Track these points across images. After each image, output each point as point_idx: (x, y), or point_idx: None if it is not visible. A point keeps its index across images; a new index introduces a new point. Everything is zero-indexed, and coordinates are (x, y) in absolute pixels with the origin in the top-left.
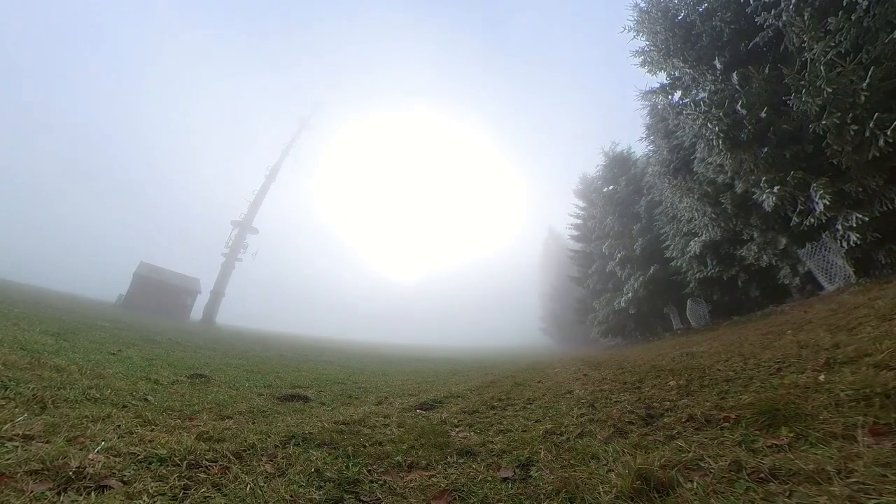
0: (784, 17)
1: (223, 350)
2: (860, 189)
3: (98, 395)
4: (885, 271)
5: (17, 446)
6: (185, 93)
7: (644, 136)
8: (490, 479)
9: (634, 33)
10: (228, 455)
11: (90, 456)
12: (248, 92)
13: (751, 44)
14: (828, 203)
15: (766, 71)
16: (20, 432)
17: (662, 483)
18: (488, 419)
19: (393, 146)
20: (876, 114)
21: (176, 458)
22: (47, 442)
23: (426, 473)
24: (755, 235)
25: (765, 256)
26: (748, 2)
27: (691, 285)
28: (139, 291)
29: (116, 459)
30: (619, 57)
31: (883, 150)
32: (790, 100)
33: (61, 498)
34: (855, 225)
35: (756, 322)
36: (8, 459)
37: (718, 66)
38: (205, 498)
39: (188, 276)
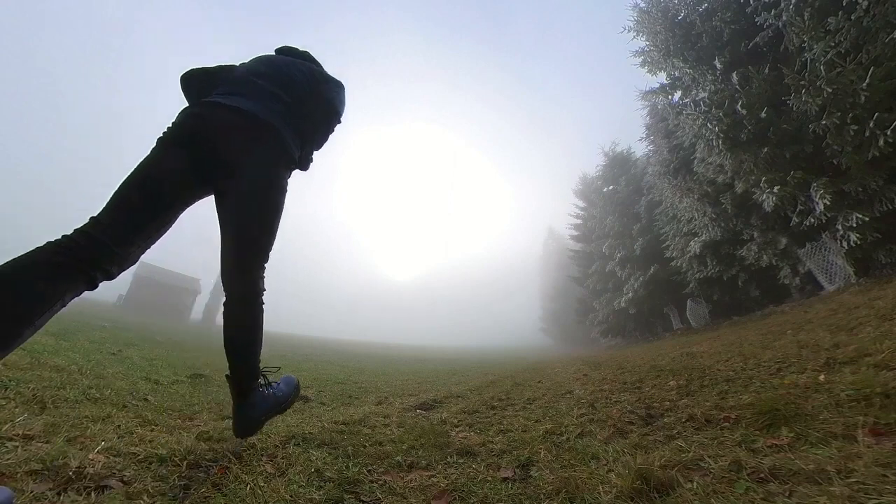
0: (784, 17)
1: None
2: (860, 189)
3: (98, 395)
4: (885, 271)
5: (17, 446)
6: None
7: (644, 136)
8: (490, 478)
9: (634, 33)
10: (228, 455)
11: (90, 456)
12: None
13: (751, 44)
14: (828, 203)
15: (766, 71)
16: (20, 432)
17: (662, 483)
18: (488, 419)
19: (393, 145)
20: (876, 114)
21: (176, 458)
22: (47, 442)
23: (426, 473)
24: (755, 235)
25: (765, 256)
26: (748, 2)
27: (691, 285)
28: (139, 291)
29: (116, 459)
30: (619, 57)
31: (883, 150)
32: (790, 100)
33: (61, 498)
34: (855, 225)
35: (756, 322)
36: (8, 459)
37: (718, 66)
38: (205, 498)
39: (188, 276)
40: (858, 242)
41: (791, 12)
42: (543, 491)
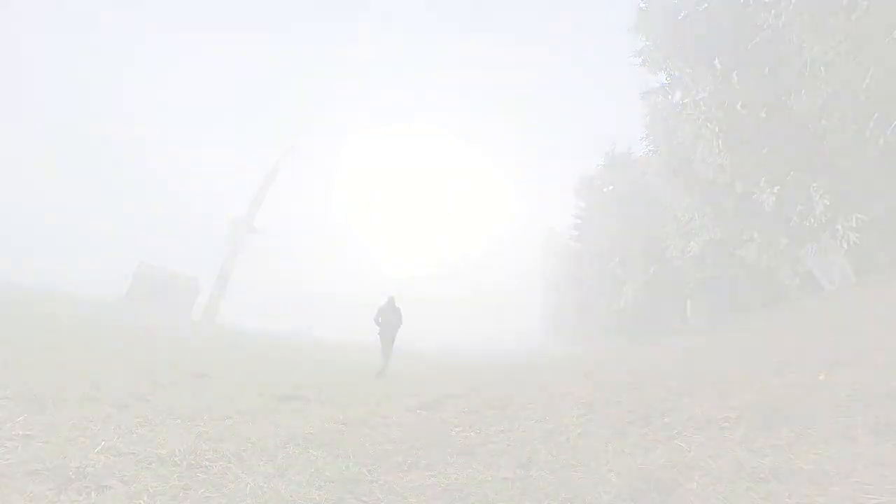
0: (784, 18)
1: (223, 349)
2: (860, 189)
3: (98, 395)
4: (885, 271)
5: (17, 446)
6: (185, 90)
7: (644, 136)
8: (490, 479)
9: (634, 33)
10: (228, 455)
11: (90, 456)
12: (250, 89)
13: (751, 44)
14: (828, 203)
15: (766, 71)
16: (20, 432)
17: (662, 483)
18: (488, 419)
19: (393, 142)
20: (876, 114)
21: (176, 458)
22: (47, 442)
23: (426, 473)
24: (755, 235)
25: (765, 256)
26: (748, 2)
27: (691, 285)
28: (139, 291)
29: (116, 459)
30: (620, 57)
31: (883, 149)
32: (790, 100)
33: (61, 498)
34: (855, 225)
35: (756, 322)
36: (8, 459)
37: (718, 66)
38: (205, 498)
39: (188, 276)
40: (858, 242)
41: (791, 12)
42: (543, 491)
